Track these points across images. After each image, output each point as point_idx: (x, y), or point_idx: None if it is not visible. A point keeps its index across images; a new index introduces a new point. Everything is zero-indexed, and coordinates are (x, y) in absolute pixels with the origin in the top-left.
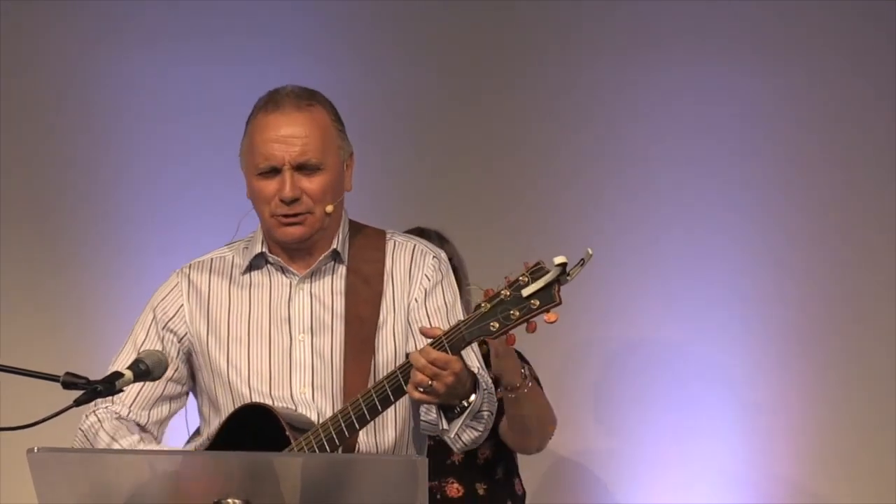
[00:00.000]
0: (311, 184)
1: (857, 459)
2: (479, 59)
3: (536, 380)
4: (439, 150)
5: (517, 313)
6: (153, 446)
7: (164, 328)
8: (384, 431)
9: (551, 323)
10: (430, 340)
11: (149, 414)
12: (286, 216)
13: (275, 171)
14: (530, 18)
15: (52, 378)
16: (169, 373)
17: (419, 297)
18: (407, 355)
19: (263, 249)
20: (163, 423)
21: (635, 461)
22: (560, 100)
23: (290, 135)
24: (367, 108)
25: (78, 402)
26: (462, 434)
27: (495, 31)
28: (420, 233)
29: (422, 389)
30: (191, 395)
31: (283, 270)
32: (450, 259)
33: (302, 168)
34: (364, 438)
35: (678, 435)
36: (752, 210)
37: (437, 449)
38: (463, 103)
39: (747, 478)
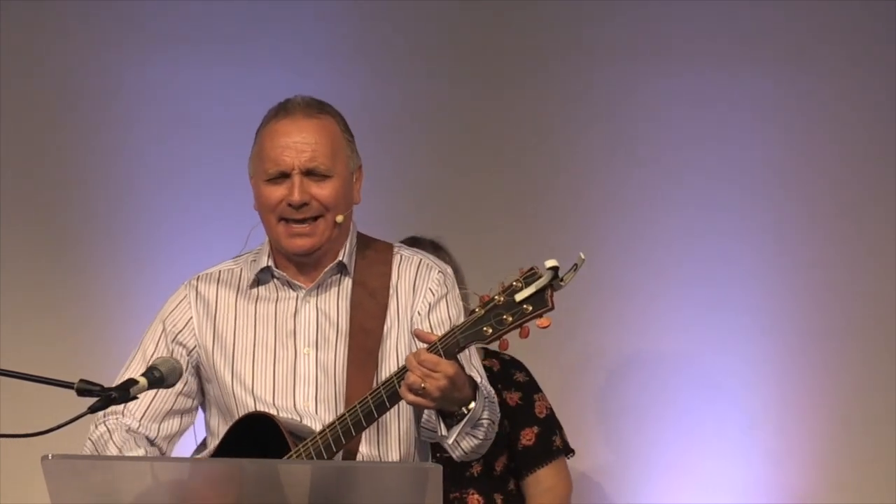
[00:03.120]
0: (321, 190)
1: (869, 464)
2: (493, 63)
3: (563, 447)
4: (453, 154)
5: (510, 318)
6: None
7: (173, 341)
8: (387, 443)
9: (544, 328)
10: (425, 345)
11: (159, 427)
12: (295, 223)
13: (284, 177)
14: (544, 21)
15: (66, 385)
16: (179, 386)
17: (422, 310)
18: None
19: (269, 264)
20: (172, 438)
21: (642, 469)
22: (574, 103)
23: (300, 140)
24: (380, 114)
25: (92, 409)
26: (461, 441)
27: (509, 35)
28: (414, 241)
29: (414, 391)
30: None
31: (290, 285)
32: None
33: (311, 174)
34: (367, 450)
35: (685, 442)
36: (762, 216)
37: (457, 462)
38: (476, 108)
39: (756, 484)
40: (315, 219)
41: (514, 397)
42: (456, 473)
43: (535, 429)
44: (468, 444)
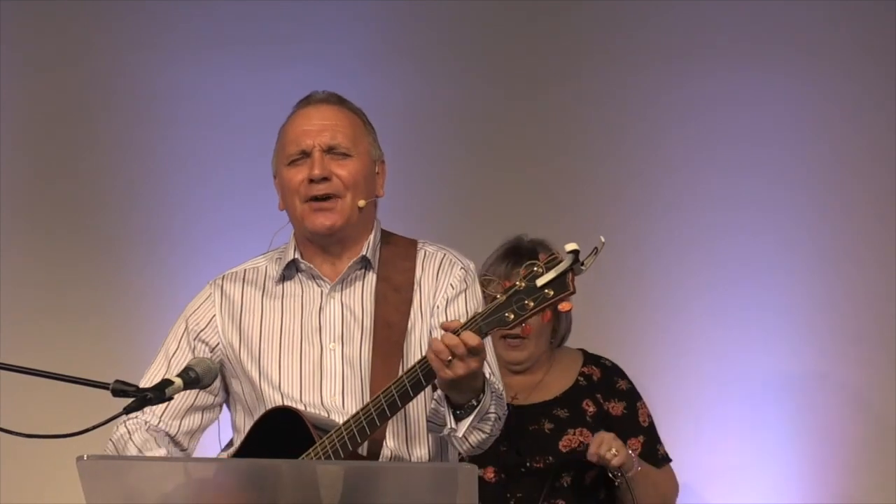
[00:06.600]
0: (342, 169)
1: None
2: (527, 64)
3: (665, 455)
4: (488, 154)
5: (531, 303)
6: None
7: (195, 338)
8: (414, 435)
9: (566, 312)
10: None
11: (180, 424)
12: (316, 200)
13: (304, 156)
14: (577, 23)
15: (102, 386)
16: None
17: (441, 303)
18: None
19: (296, 256)
20: (194, 434)
21: (686, 468)
22: (607, 104)
23: (319, 122)
24: (416, 114)
25: (128, 410)
26: (469, 435)
27: (543, 36)
28: (518, 241)
29: (444, 361)
30: (225, 407)
31: (315, 279)
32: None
33: (331, 151)
34: (393, 443)
35: (730, 442)
36: (805, 215)
37: (547, 474)
38: (510, 108)
39: (799, 483)
40: (336, 198)
41: (617, 407)
42: (546, 484)
43: (641, 438)
44: (476, 437)
